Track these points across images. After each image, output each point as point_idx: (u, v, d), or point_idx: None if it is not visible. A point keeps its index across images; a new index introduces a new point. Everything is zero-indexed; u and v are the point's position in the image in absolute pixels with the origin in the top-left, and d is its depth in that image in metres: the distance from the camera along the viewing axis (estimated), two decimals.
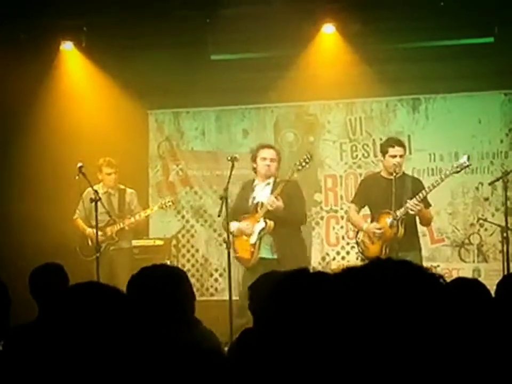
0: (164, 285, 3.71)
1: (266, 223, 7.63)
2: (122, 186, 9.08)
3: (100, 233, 8.28)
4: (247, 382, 1.89)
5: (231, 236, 7.66)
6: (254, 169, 7.86)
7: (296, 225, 7.84)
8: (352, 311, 1.55)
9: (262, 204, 7.66)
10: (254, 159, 7.81)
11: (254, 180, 7.85)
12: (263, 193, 7.76)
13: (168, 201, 9.04)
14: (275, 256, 7.62)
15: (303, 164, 7.77)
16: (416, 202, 7.43)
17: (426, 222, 7.98)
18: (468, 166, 7.64)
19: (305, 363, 1.56)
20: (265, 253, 7.66)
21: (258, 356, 1.81)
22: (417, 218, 7.70)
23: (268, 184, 7.79)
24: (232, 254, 7.72)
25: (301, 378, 1.61)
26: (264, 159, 7.74)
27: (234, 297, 7.61)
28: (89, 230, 8.76)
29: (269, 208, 7.54)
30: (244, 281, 7.70)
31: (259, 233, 7.65)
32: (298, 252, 7.71)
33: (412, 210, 7.44)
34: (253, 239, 7.67)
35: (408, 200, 7.45)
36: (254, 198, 7.76)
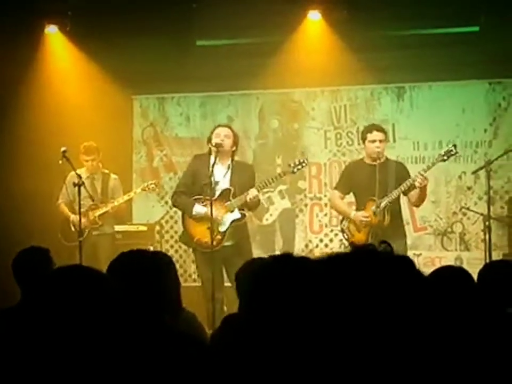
0: (151, 270, 3.69)
1: (244, 215, 7.59)
2: (106, 171, 9.05)
3: (82, 218, 8.25)
4: (229, 368, 1.89)
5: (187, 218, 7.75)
6: (210, 150, 7.64)
7: (253, 210, 7.93)
8: (335, 297, 1.56)
9: (231, 192, 7.53)
10: (209, 141, 7.64)
11: (209, 157, 7.59)
12: (226, 179, 7.63)
13: (151, 184, 9.00)
14: (230, 243, 7.57)
15: (299, 167, 7.76)
16: (425, 176, 7.39)
17: (420, 202, 7.88)
18: (455, 154, 7.66)
19: (289, 348, 1.57)
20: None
21: (242, 341, 1.81)
22: (402, 205, 7.73)
23: (227, 167, 7.64)
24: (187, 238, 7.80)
25: (284, 364, 1.61)
26: (218, 135, 7.58)
27: None
28: (73, 216, 8.70)
29: (249, 202, 7.46)
30: (201, 267, 7.66)
31: (231, 222, 7.56)
32: (248, 238, 7.80)
33: (420, 183, 7.39)
34: (223, 227, 7.53)
35: (417, 174, 7.44)
36: (216, 182, 7.55)
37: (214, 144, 7.49)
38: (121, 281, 3.54)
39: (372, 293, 1.53)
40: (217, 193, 7.54)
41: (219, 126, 7.86)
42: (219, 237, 7.49)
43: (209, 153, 7.58)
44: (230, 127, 7.88)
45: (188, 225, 7.75)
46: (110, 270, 3.68)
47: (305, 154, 8.12)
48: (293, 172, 7.85)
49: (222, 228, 7.53)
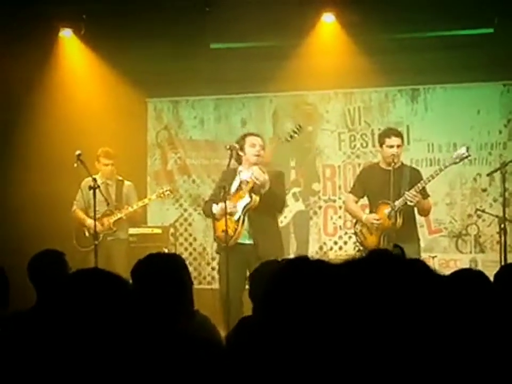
0: (168, 273, 3.70)
1: (251, 197, 7.42)
2: (120, 178, 9.05)
3: (97, 224, 8.29)
4: (245, 371, 1.89)
5: (210, 220, 7.76)
6: (239, 159, 7.55)
7: (275, 210, 7.71)
8: (352, 301, 1.55)
9: (247, 181, 7.50)
10: (241, 148, 7.52)
11: (237, 168, 7.56)
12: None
13: (166, 190, 9.01)
14: (251, 242, 7.47)
15: (292, 134, 7.66)
16: (415, 193, 7.44)
17: (425, 213, 7.98)
18: (467, 157, 7.65)
19: (304, 351, 1.57)
20: (243, 238, 7.52)
21: (257, 344, 1.81)
22: (415, 209, 7.71)
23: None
24: (212, 235, 7.76)
25: (300, 367, 1.61)
26: (254, 145, 7.50)
27: None
28: (89, 221, 8.62)
29: (255, 182, 7.30)
30: (222, 267, 7.45)
31: (243, 209, 7.47)
32: (274, 239, 7.60)
33: (410, 201, 7.45)
34: (237, 215, 7.45)
35: (406, 191, 7.46)
36: (242, 181, 7.55)
37: (250, 155, 7.46)
38: (143, 285, 3.56)
39: (388, 297, 1.53)
40: (235, 188, 7.54)
41: (249, 134, 7.73)
42: (235, 226, 7.45)
43: (239, 163, 7.55)
44: (260, 136, 7.80)
45: (214, 226, 7.72)
46: (133, 274, 3.70)
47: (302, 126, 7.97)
48: (287, 140, 7.75)
49: (236, 216, 7.46)
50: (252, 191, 7.43)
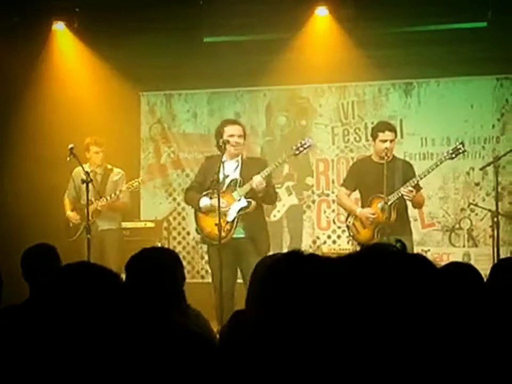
0: (162, 268, 3.71)
1: (250, 202, 7.45)
2: (109, 166, 9.01)
3: (77, 215, 8.65)
4: (239, 366, 1.89)
5: (196, 212, 7.71)
6: (220, 147, 7.40)
7: (268, 205, 7.81)
8: (347, 295, 1.55)
9: (238, 181, 7.47)
10: (220, 137, 7.42)
11: (221, 156, 7.41)
12: (236, 172, 7.56)
13: (135, 182, 8.93)
14: (245, 236, 7.48)
15: (301, 149, 7.62)
16: (411, 189, 7.45)
17: (419, 205, 8.02)
18: (463, 152, 7.69)
19: (298, 345, 1.56)
20: (236, 232, 7.50)
21: (250, 338, 1.80)
22: (408, 202, 7.72)
23: (237, 162, 7.58)
24: (199, 232, 7.72)
25: (293, 362, 1.61)
26: (232, 136, 7.44)
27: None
28: (68, 212, 8.88)
29: (255, 188, 7.32)
30: (212, 261, 7.51)
31: (238, 211, 7.47)
32: (264, 232, 7.63)
33: (407, 197, 7.47)
34: (230, 217, 7.42)
35: (402, 188, 7.46)
36: (226, 176, 7.50)
37: (226, 143, 7.34)
38: (135, 279, 3.56)
39: (385, 292, 1.53)
40: (225, 185, 7.50)
41: (228, 123, 7.66)
42: (228, 227, 7.42)
43: (222, 152, 7.47)
44: (239, 123, 7.77)
45: (199, 219, 7.70)
46: (127, 268, 3.70)
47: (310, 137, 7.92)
48: (295, 154, 7.72)
49: (229, 218, 7.44)
50: (249, 196, 7.43)
